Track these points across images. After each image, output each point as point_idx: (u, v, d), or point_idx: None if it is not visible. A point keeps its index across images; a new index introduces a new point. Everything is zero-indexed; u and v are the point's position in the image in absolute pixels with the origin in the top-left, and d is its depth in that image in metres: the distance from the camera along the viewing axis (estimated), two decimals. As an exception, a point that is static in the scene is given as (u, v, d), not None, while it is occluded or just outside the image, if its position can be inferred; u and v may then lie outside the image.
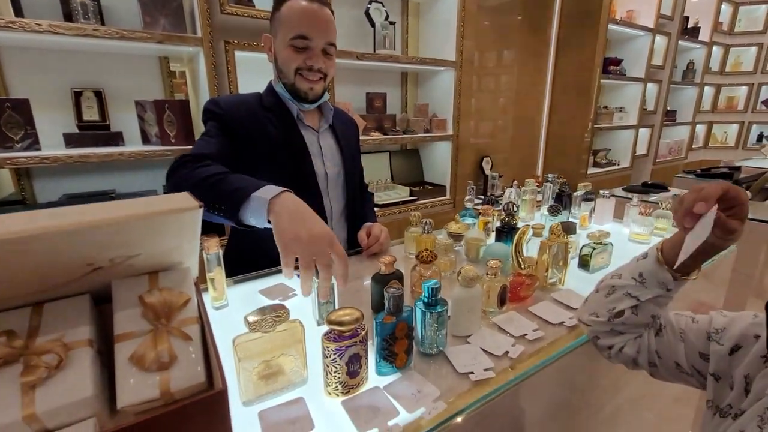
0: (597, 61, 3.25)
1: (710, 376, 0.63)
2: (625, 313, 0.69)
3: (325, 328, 0.62)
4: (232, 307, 0.90)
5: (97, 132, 1.64)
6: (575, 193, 1.57)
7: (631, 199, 1.50)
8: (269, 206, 0.75)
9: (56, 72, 1.61)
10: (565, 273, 1.02)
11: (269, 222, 0.75)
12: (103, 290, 0.51)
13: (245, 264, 1.07)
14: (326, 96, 1.14)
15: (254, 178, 0.84)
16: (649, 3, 3.67)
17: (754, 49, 5.11)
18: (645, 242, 1.35)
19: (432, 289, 0.69)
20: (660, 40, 3.94)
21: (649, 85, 4.00)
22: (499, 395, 0.65)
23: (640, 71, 3.82)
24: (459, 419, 0.60)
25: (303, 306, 0.86)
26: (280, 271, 0.82)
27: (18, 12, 1.44)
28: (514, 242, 0.95)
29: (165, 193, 1.09)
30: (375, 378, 0.67)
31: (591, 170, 3.68)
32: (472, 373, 0.68)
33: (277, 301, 0.92)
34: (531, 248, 1.03)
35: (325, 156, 1.16)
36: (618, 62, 3.64)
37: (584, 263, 1.12)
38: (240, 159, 1.01)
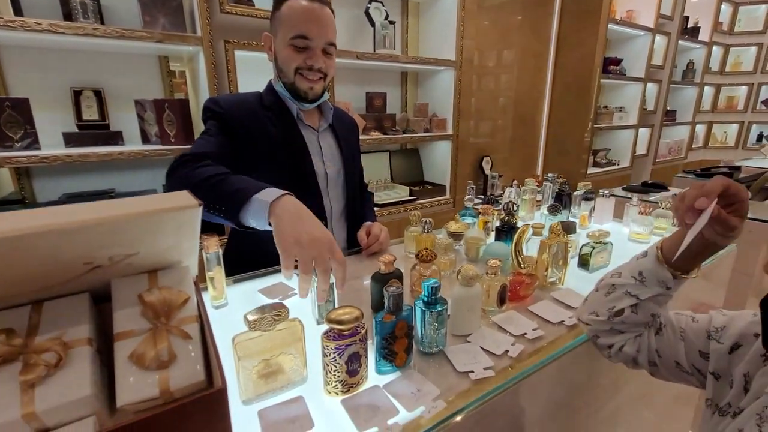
0: (597, 61, 3.25)
1: (710, 375, 0.63)
2: (624, 311, 0.69)
3: (325, 326, 0.62)
4: (231, 306, 0.90)
5: (97, 131, 1.64)
6: (575, 193, 1.56)
7: (630, 198, 1.50)
8: (270, 209, 0.75)
9: (56, 71, 1.61)
10: (565, 272, 1.02)
11: (269, 224, 0.75)
12: (103, 289, 0.51)
13: (245, 263, 1.07)
14: (326, 95, 1.14)
15: (255, 180, 0.84)
16: (649, 3, 3.67)
17: (753, 49, 5.11)
18: (645, 242, 1.35)
19: (432, 288, 0.69)
20: (660, 40, 3.94)
21: (649, 85, 4.00)
22: (498, 394, 0.65)
23: (640, 71, 3.82)
24: (458, 418, 0.60)
25: (302, 305, 0.86)
26: (279, 271, 0.82)
27: (18, 11, 1.44)
28: (514, 241, 0.95)
29: (165, 192, 1.09)
30: (374, 377, 0.67)
31: (591, 170, 3.68)
32: (472, 372, 0.68)
33: (276, 300, 0.92)
34: (531, 247, 1.03)
35: (324, 155, 1.16)
36: (618, 62, 3.64)
37: (584, 262, 1.12)
38: (240, 158, 1.01)
